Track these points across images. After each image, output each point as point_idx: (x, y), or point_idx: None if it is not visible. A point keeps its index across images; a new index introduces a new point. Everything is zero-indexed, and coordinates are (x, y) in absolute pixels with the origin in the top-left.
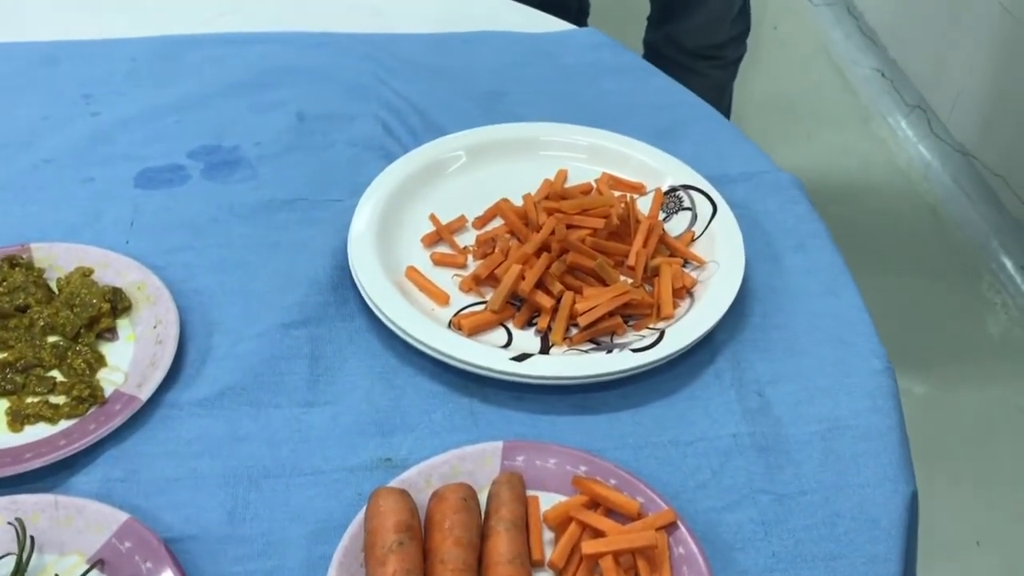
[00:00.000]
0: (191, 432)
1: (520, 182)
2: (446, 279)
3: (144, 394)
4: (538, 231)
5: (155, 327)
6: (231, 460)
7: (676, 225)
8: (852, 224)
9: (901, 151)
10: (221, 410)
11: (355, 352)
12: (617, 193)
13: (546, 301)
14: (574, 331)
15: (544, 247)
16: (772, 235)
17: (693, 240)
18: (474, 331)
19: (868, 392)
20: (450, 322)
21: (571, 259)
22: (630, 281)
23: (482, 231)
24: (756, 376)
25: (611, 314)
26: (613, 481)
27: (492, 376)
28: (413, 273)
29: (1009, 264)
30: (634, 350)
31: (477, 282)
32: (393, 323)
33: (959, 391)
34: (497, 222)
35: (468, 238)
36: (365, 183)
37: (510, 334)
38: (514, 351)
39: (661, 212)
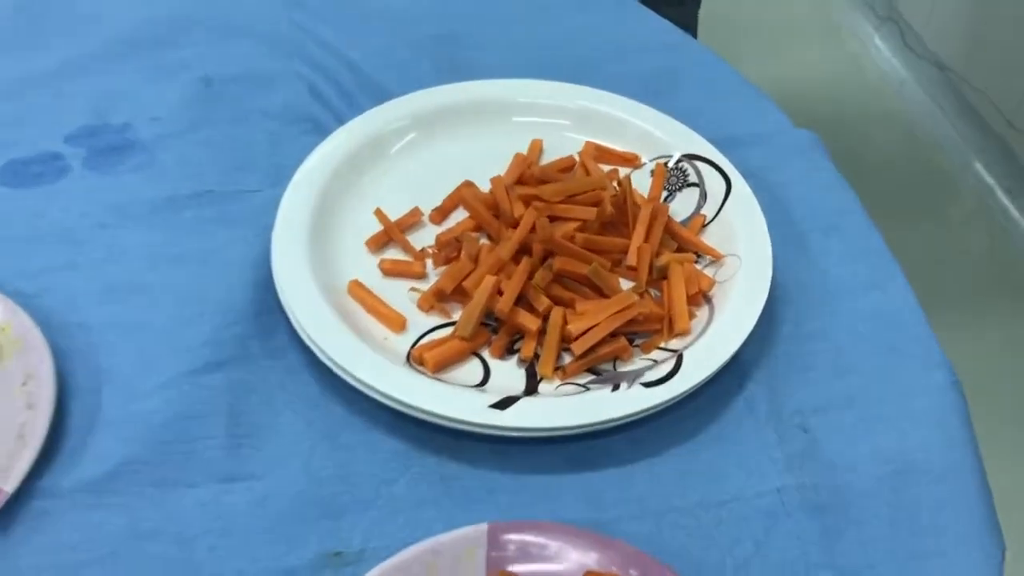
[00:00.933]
0: (76, 532)
1: (484, 159)
2: (401, 294)
3: (10, 484)
4: (513, 226)
5: (24, 385)
6: (131, 568)
7: (682, 206)
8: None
9: (873, 67)
10: (115, 496)
11: (288, 402)
12: (606, 168)
13: (530, 322)
14: (567, 358)
15: (523, 249)
16: (795, 213)
17: (704, 226)
18: (440, 366)
19: (936, 418)
20: (409, 354)
21: (559, 265)
22: (632, 285)
23: (442, 228)
24: (797, 404)
25: (613, 335)
26: (634, 573)
27: (467, 429)
28: (358, 289)
29: (994, 185)
30: (646, 384)
31: (440, 298)
32: (334, 361)
33: (956, 331)
34: (461, 214)
35: (426, 237)
36: (290, 166)
37: (487, 367)
38: (493, 393)
39: (663, 191)
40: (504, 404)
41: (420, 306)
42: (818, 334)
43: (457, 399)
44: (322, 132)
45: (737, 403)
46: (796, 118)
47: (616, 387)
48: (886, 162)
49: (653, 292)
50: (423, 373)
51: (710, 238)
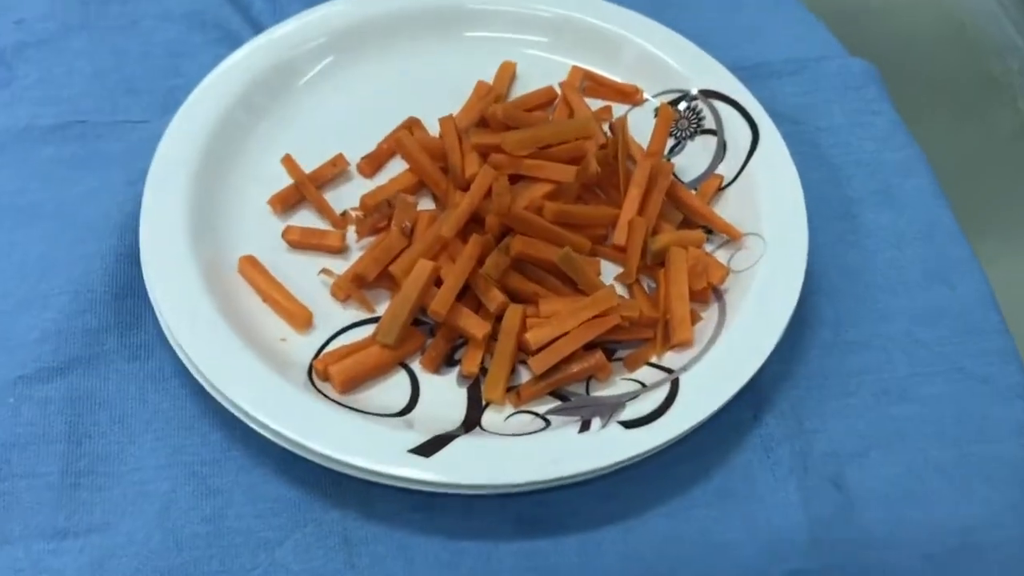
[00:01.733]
0: None
1: (435, 90)
2: (309, 278)
3: None
4: (464, 188)
5: None
6: None
7: (692, 161)
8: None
9: None
10: None
11: (149, 423)
12: (596, 105)
13: (476, 326)
14: (525, 374)
15: (473, 219)
16: (841, 173)
17: (721, 190)
18: (351, 384)
19: (1019, 475)
20: (311, 366)
21: (518, 248)
22: (618, 273)
23: (370, 189)
24: (830, 445)
25: (588, 346)
26: None
27: (381, 481)
28: (251, 268)
29: None
30: (627, 424)
31: (360, 284)
32: (202, 373)
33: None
34: (396, 168)
35: (351, 195)
36: (190, 89)
37: (415, 385)
38: (419, 428)
39: (668, 139)
40: (431, 448)
41: (334, 294)
42: (864, 345)
43: (367, 438)
44: (236, 44)
45: (749, 442)
46: (846, 41)
47: (586, 425)
48: (935, 64)
49: (646, 283)
50: (326, 395)
51: (727, 208)
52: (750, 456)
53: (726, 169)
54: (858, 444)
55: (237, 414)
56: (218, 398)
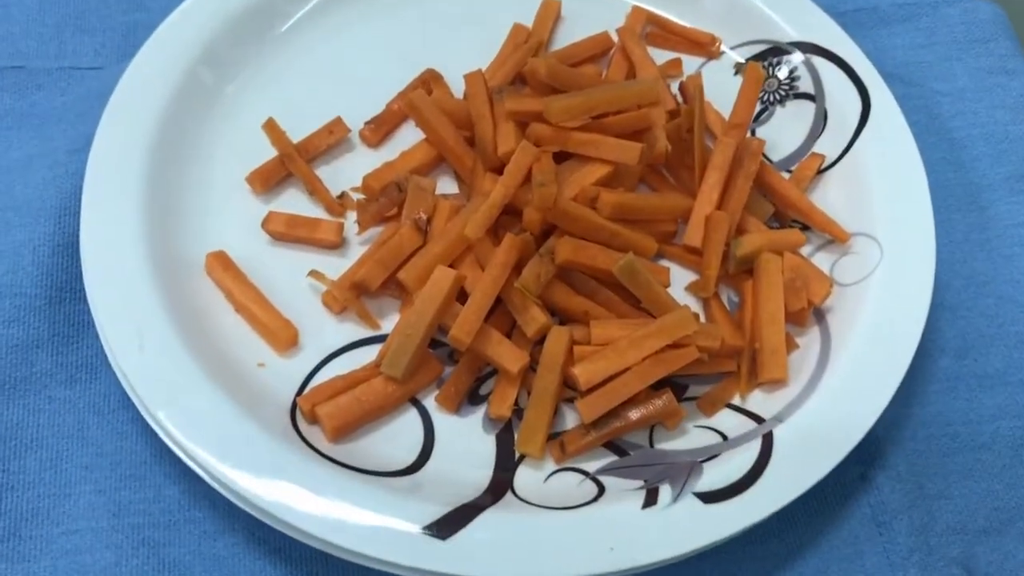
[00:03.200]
0: None
1: (459, 35)
2: (296, 282)
3: None
4: (496, 169)
5: None
6: None
7: (781, 135)
8: None
9: None
10: None
11: (88, 471)
12: (662, 58)
13: (510, 356)
14: (571, 418)
15: (507, 212)
16: (966, 152)
17: (821, 172)
18: (346, 431)
19: None
20: (295, 404)
21: (565, 255)
22: (692, 282)
23: (379, 157)
24: (958, 518)
25: (658, 385)
26: None
27: (385, 569)
28: (221, 269)
29: None
30: (705, 496)
31: (361, 293)
32: (155, 419)
33: None
34: (409, 137)
35: (350, 171)
36: (152, 26)
37: (429, 428)
38: (435, 495)
39: (756, 106)
40: (449, 526)
41: (327, 304)
42: (997, 378)
43: (366, 511)
44: None
45: (856, 511)
46: None
47: (652, 495)
48: None
49: (725, 295)
50: (313, 446)
51: (829, 197)
52: (858, 530)
53: (828, 146)
54: (994, 516)
55: (197, 470)
56: (172, 447)
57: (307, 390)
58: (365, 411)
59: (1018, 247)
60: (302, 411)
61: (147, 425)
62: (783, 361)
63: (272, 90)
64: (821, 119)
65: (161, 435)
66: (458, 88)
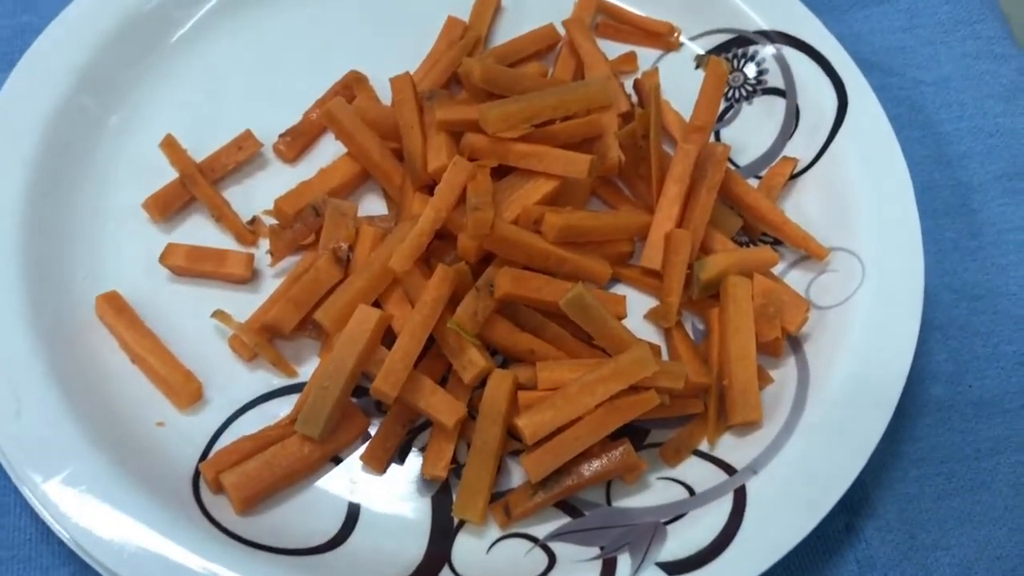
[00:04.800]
0: None
1: (385, 31)
2: (200, 324)
3: None
4: (427, 187)
5: None
6: None
7: (749, 136)
8: None
9: None
10: None
11: None
12: (614, 51)
13: (445, 408)
14: (516, 476)
15: (440, 237)
16: (954, 148)
17: (793, 177)
18: (255, 501)
19: None
20: (198, 472)
21: (505, 288)
22: (652, 309)
23: (288, 190)
24: (955, 573)
25: (615, 433)
26: None
27: None
28: (113, 313)
29: None
30: (670, 567)
31: (274, 335)
32: (33, 495)
33: None
34: (330, 151)
35: (261, 194)
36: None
37: (354, 492)
38: (352, 568)
39: (721, 104)
40: None
41: (235, 349)
42: (996, 405)
43: None
44: None
45: (842, 570)
46: None
47: (610, 568)
48: None
49: (689, 322)
50: (217, 523)
51: (803, 207)
52: None
53: (801, 148)
54: (996, 567)
55: (82, 555)
56: (54, 527)
57: (211, 454)
58: (277, 477)
59: (1014, 255)
60: (206, 479)
61: (24, 506)
62: (756, 400)
63: (170, 105)
64: (793, 117)
65: (41, 513)
66: (385, 93)
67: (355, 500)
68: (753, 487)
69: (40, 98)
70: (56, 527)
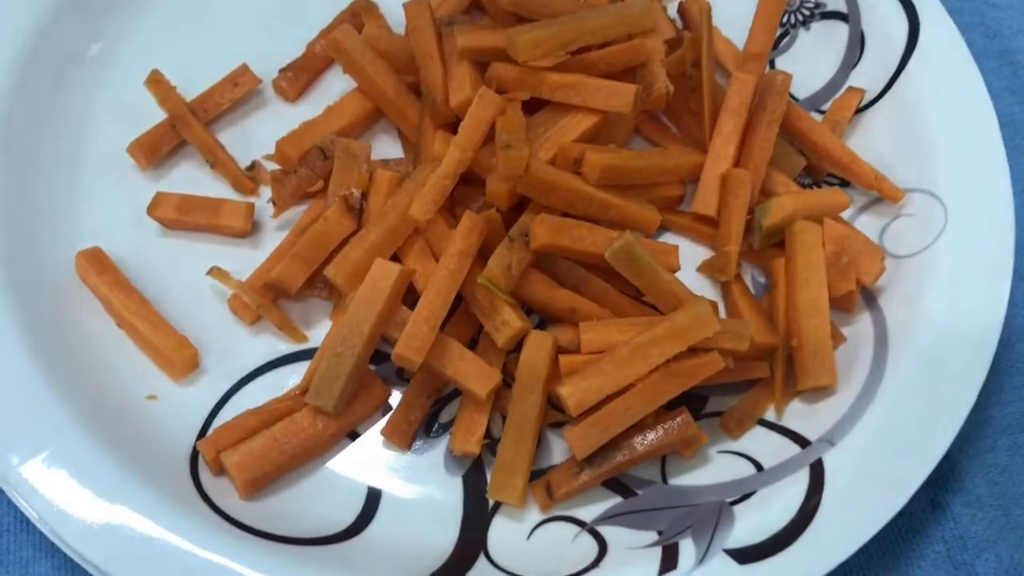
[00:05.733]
0: None
1: None
2: (195, 283)
3: None
4: (451, 124)
5: None
6: None
7: (807, 65)
8: None
9: None
10: None
11: None
12: None
13: (476, 375)
14: (557, 451)
15: (466, 182)
16: None
17: (860, 110)
18: (262, 483)
19: None
20: (195, 450)
21: (542, 238)
22: (702, 266)
23: (291, 131)
24: None
25: (671, 404)
26: None
27: None
28: (96, 271)
29: None
30: (740, 554)
31: (279, 295)
32: (12, 484)
33: None
34: (337, 87)
35: (261, 137)
36: None
37: (374, 472)
38: (381, 569)
39: (776, 31)
40: None
41: (235, 311)
42: None
43: None
44: None
45: (927, 548)
46: None
47: (671, 556)
48: None
49: (749, 275)
50: (219, 509)
51: (874, 144)
52: (931, 574)
53: (867, 78)
54: None
55: (64, 547)
56: (32, 517)
57: (211, 431)
58: (287, 456)
59: None
60: (205, 460)
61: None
62: (829, 362)
63: (156, 36)
64: (857, 44)
65: (17, 501)
66: (397, 21)
67: (375, 482)
68: (831, 461)
69: (10, 27)
70: (34, 516)
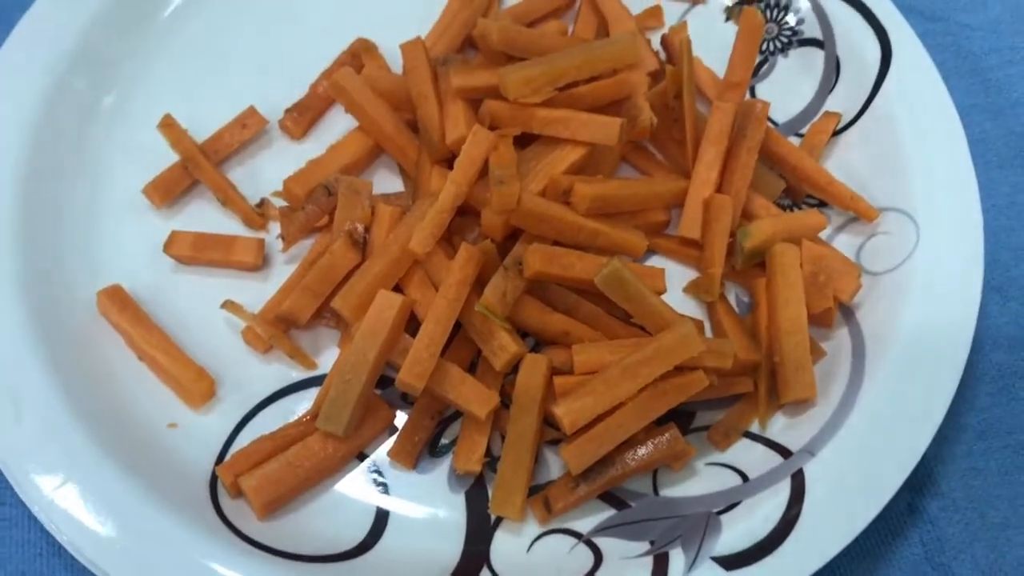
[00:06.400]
0: None
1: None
2: (210, 316)
3: None
4: (446, 160)
5: None
6: None
7: (786, 91)
8: None
9: None
10: None
11: None
12: (640, 6)
13: (476, 398)
14: (554, 467)
15: (462, 213)
16: (1006, 97)
17: (836, 133)
18: (278, 505)
19: None
20: (214, 475)
21: (536, 266)
22: (688, 286)
23: (298, 169)
24: None
25: (660, 420)
26: None
27: None
28: (117, 308)
29: None
30: (727, 561)
31: (290, 326)
32: (43, 509)
33: None
34: (340, 126)
35: (269, 175)
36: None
37: (383, 492)
38: (383, 574)
39: (756, 58)
40: None
41: (249, 342)
42: None
43: None
44: None
45: (907, 553)
46: None
47: (662, 564)
48: None
49: (733, 293)
50: (238, 530)
51: (850, 166)
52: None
53: (843, 102)
54: None
55: (94, 570)
56: (63, 540)
57: (229, 456)
58: (300, 479)
59: None
60: (224, 484)
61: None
62: (810, 376)
63: (166, 83)
64: (833, 69)
65: (48, 526)
66: (395, 61)
67: (383, 501)
68: (811, 470)
69: (27, 83)
70: (65, 539)
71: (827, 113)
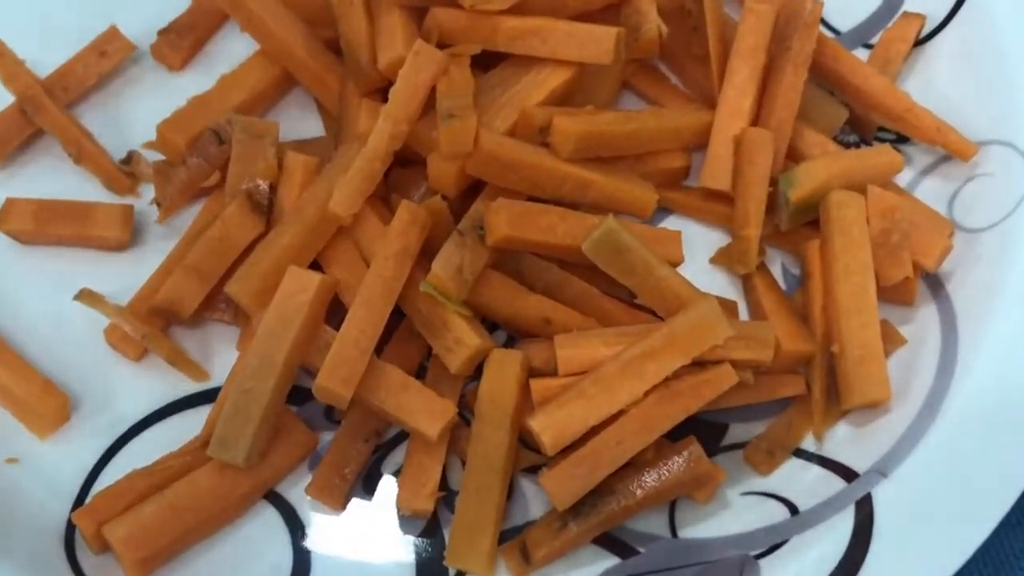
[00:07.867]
0: None
1: None
2: (60, 310)
3: None
4: (381, 89)
5: None
6: None
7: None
8: None
9: None
10: None
11: None
12: None
13: (424, 413)
14: (535, 503)
15: (402, 163)
16: None
17: (919, 43)
18: (157, 561)
19: None
20: (70, 524)
21: (501, 231)
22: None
23: (176, 110)
24: None
25: (677, 434)
26: None
27: None
28: None
29: None
30: None
31: (169, 322)
32: None
33: None
34: (234, 51)
35: (137, 121)
36: None
37: (299, 539)
38: None
39: None
40: None
41: (114, 344)
42: None
43: None
44: None
45: None
46: None
47: None
48: None
49: (778, 262)
50: None
51: (938, 87)
52: None
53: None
54: None
55: None
56: None
57: (89, 498)
58: (187, 526)
59: None
60: (83, 536)
61: None
62: (881, 372)
63: None
64: None
65: None
66: None
67: (302, 553)
68: (883, 497)
69: None
70: None
71: (906, 14)
